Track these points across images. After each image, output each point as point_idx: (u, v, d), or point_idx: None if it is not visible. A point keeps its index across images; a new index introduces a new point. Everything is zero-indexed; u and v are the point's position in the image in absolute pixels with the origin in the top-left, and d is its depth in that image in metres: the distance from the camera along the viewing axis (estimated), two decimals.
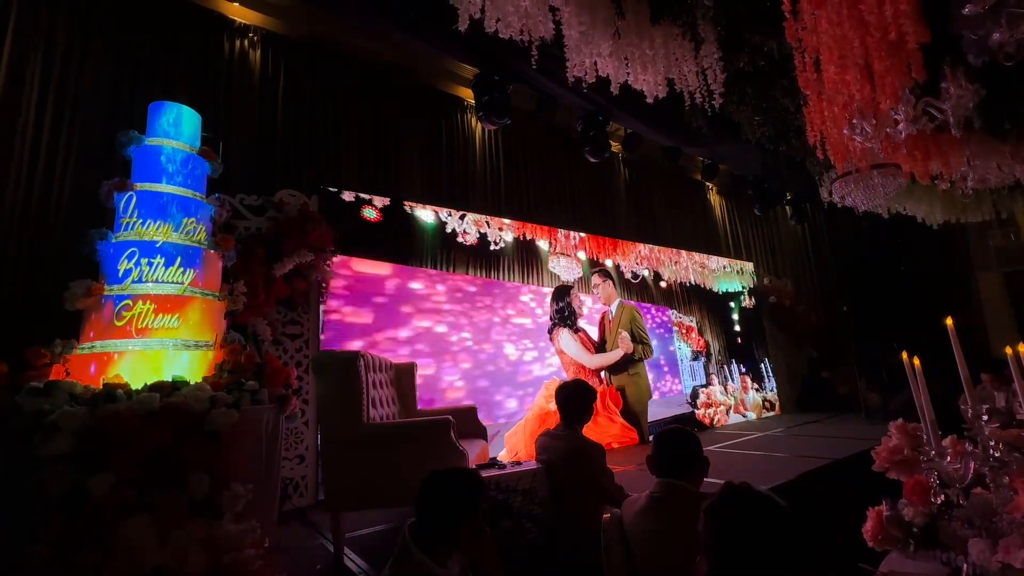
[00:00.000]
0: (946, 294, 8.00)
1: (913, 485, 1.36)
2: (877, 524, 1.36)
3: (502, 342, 5.02)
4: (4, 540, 1.79)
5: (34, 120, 2.90)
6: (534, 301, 5.41)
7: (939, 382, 1.49)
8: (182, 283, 2.48)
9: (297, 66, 4.05)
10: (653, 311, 6.46)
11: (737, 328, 7.48)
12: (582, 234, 5.93)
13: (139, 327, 2.32)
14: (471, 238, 4.92)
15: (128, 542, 1.68)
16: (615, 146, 6.24)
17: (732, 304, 7.53)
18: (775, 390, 7.53)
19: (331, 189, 4.03)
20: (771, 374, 7.62)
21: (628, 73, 3.32)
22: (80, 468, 1.78)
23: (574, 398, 2.70)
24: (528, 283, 5.38)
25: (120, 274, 2.38)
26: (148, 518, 1.75)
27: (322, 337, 3.75)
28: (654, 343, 5.70)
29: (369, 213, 4.26)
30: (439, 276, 4.72)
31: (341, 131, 4.20)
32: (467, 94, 4.99)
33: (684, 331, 6.82)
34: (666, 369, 6.37)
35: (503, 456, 4.32)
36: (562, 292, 5.30)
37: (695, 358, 6.77)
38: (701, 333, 6.99)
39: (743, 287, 7.73)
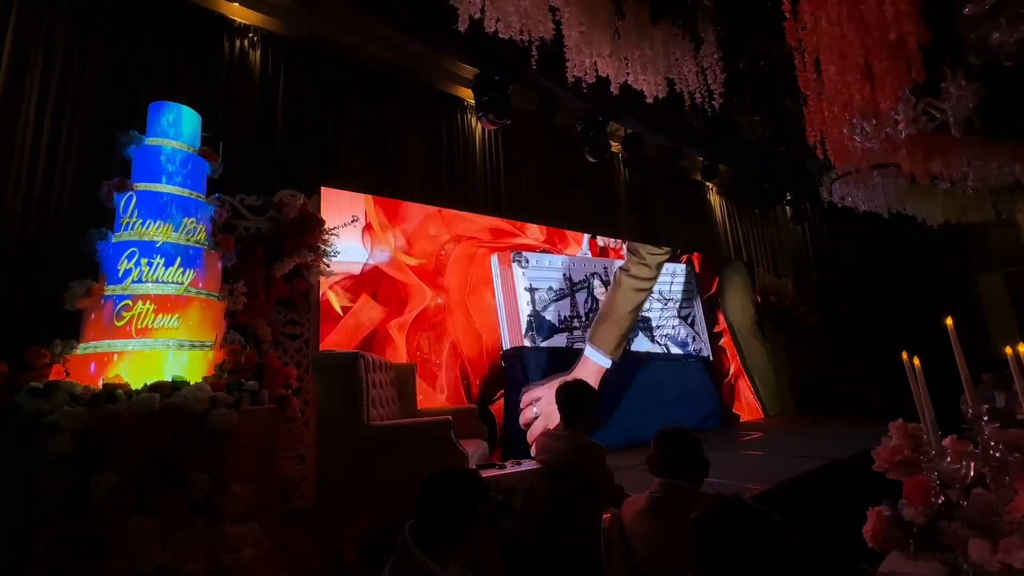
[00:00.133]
0: (946, 294, 8.00)
1: (913, 485, 1.36)
2: (877, 524, 1.35)
3: None
4: (4, 540, 1.79)
5: (34, 120, 2.89)
6: None
7: (939, 382, 1.49)
8: (182, 283, 2.48)
9: (297, 66, 4.04)
10: None
11: None
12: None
13: (139, 327, 2.32)
14: None
15: (128, 542, 1.68)
16: (615, 146, 6.24)
17: None
18: None
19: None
20: None
21: (628, 73, 3.32)
22: (80, 468, 1.78)
23: (575, 398, 2.70)
24: None
25: (120, 274, 2.38)
26: (148, 518, 1.75)
27: None
28: None
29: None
30: None
31: (341, 131, 4.19)
32: (467, 94, 4.99)
33: None
34: None
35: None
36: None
37: None
38: None
39: None
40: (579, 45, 3.07)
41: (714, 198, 7.76)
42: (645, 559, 1.62)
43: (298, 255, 3.24)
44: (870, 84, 2.31)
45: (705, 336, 7.08)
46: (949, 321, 1.39)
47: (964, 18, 2.53)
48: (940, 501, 1.30)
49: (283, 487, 2.83)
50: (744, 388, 7.28)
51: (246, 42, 3.84)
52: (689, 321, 6.95)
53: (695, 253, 7.31)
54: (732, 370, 7.24)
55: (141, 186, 2.56)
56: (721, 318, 7.37)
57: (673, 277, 6.93)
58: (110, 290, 2.36)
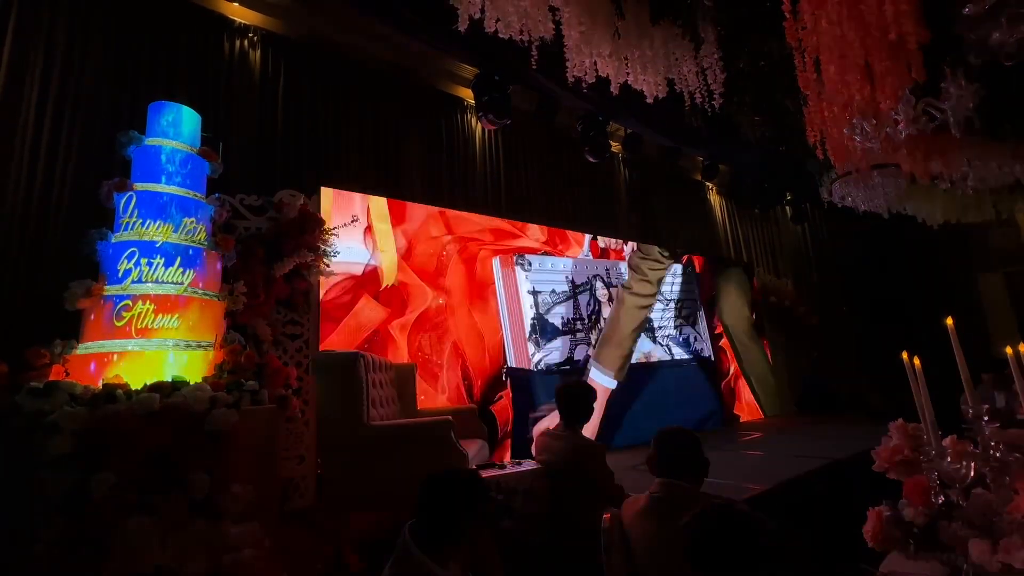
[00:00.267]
0: (946, 294, 8.00)
1: (913, 485, 1.36)
2: (877, 524, 1.35)
3: None
4: (4, 540, 1.79)
5: (34, 120, 2.89)
6: None
7: (939, 382, 1.49)
8: (182, 283, 2.48)
9: (297, 66, 4.04)
10: None
11: None
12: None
13: (139, 327, 2.32)
14: None
15: (128, 542, 1.68)
16: (615, 146, 6.24)
17: None
18: None
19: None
20: None
21: (628, 73, 3.32)
22: (80, 468, 1.78)
23: (575, 398, 2.71)
24: None
25: (120, 274, 2.38)
26: (148, 518, 1.75)
27: None
28: None
29: None
30: None
31: (341, 131, 4.19)
32: (467, 94, 4.99)
33: None
34: None
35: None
36: None
37: None
38: None
39: None
40: (579, 45, 3.07)
41: (714, 198, 7.76)
42: (645, 559, 1.62)
43: (298, 255, 3.25)
44: (870, 84, 2.31)
45: (706, 335, 7.09)
46: (949, 321, 1.39)
47: (964, 18, 2.53)
48: (940, 501, 1.29)
49: (283, 487, 2.83)
50: (744, 388, 7.28)
51: (246, 42, 3.84)
52: (690, 321, 6.95)
53: (695, 255, 7.32)
54: (732, 370, 7.24)
55: (141, 186, 2.56)
56: (717, 322, 7.39)
57: (673, 277, 6.93)
58: (110, 290, 2.36)
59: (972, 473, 1.24)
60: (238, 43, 3.81)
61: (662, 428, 1.84)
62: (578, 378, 5.20)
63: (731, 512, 1.09)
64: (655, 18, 3.33)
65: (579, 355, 5.58)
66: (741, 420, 6.94)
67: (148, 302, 2.34)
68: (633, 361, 6.02)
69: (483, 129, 5.14)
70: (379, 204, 4.58)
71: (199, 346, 2.47)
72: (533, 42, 2.92)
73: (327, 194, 4.07)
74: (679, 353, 6.65)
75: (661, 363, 6.37)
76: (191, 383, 2.22)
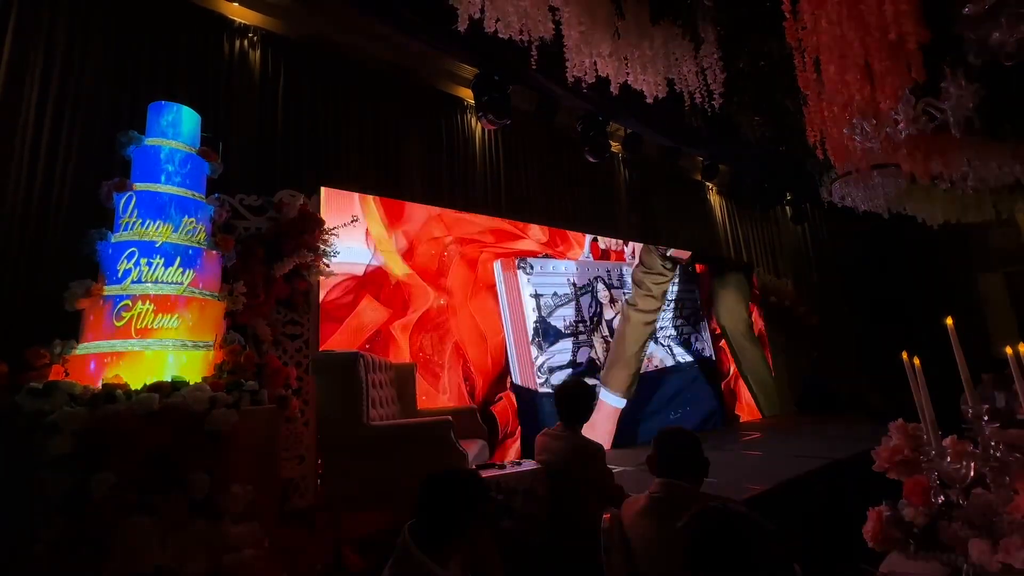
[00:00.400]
0: (946, 294, 8.00)
1: (913, 485, 1.36)
2: (877, 525, 1.35)
3: None
4: (4, 540, 1.79)
5: (34, 120, 2.89)
6: None
7: (939, 382, 1.49)
8: (182, 283, 2.48)
9: (297, 66, 4.04)
10: None
11: None
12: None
13: (139, 327, 2.32)
14: None
15: (128, 542, 1.68)
16: (615, 146, 6.24)
17: None
18: None
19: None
20: None
21: (628, 73, 3.32)
22: (80, 468, 1.78)
23: (574, 398, 2.70)
24: None
25: (120, 274, 2.38)
26: (148, 518, 1.75)
27: None
28: None
29: None
30: None
31: (341, 131, 4.19)
32: (467, 94, 4.99)
33: None
34: None
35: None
36: None
37: None
38: None
39: None
40: (579, 45, 3.07)
41: (714, 198, 7.77)
42: (645, 559, 1.62)
43: (298, 255, 3.25)
44: (870, 84, 2.31)
45: (707, 335, 7.09)
46: (949, 321, 1.39)
47: (964, 18, 2.53)
48: (940, 501, 1.30)
49: (283, 487, 2.83)
50: (744, 389, 7.28)
51: (246, 42, 3.85)
52: (691, 321, 6.96)
53: (697, 262, 7.32)
54: (732, 371, 7.24)
55: (141, 186, 2.56)
56: (715, 324, 7.39)
57: (674, 277, 6.94)
58: (110, 290, 2.36)
59: (972, 473, 1.24)
60: (238, 43, 3.81)
61: (662, 428, 1.84)
62: (577, 378, 5.20)
63: (728, 513, 1.09)
64: (655, 18, 3.32)
65: (582, 357, 5.58)
66: (741, 420, 6.94)
67: (148, 302, 2.34)
68: None
69: (483, 129, 5.14)
70: (372, 208, 4.50)
71: (199, 346, 2.47)
72: (533, 42, 2.92)
73: (321, 195, 4.06)
74: (680, 354, 6.65)
75: (662, 369, 6.37)
76: (191, 383, 2.22)
